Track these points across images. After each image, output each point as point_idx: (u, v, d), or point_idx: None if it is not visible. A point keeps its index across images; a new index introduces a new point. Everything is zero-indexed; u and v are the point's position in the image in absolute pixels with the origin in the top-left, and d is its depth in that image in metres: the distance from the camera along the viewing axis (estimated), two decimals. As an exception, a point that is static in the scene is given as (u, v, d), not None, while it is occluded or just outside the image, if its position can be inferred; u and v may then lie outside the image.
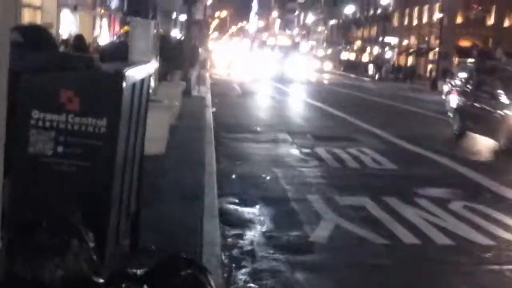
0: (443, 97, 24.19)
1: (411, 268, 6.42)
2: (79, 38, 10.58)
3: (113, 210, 3.89)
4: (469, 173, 11.44)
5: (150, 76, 4.94)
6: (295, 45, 59.39)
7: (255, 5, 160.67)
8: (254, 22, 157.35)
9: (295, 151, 13.17)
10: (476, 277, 6.27)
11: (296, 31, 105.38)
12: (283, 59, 52.78)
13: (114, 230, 4.10)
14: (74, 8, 32.28)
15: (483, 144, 15.38)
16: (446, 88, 24.55)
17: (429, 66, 61.47)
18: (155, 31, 10.34)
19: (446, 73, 48.03)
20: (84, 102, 3.78)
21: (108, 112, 3.71)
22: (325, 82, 48.95)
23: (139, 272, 3.40)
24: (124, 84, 3.73)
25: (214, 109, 20.37)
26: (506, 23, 62.26)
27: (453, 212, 8.49)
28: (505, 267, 6.52)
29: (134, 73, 4.02)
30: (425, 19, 64.80)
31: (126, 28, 30.49)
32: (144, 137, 5.30)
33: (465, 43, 61.60)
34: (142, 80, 4.58)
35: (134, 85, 4.17)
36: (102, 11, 38.26)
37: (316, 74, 59.06)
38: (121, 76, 3.70)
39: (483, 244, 7.16)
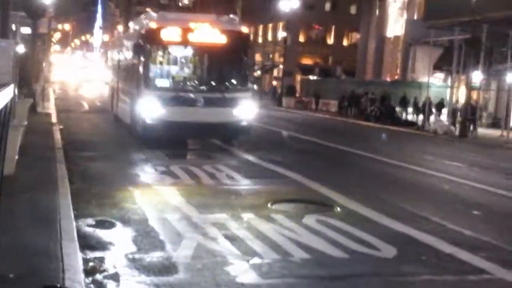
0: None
1: (274, 283, 6.57)
2: None
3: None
4: (319, 188, 11.92)
5: (13, 97, 4.73)
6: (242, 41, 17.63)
7: (99, 19, 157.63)
8: (98, 35, 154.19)
9: (150, 170, 13.05)
10: (334, 289, 6.57)
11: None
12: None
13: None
14: None
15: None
16: None
17: (274, 83, 63.44)
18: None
19: (291, 90, 49.92)
20: None
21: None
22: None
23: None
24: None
25: (61, 126, 19.71)
26: (345, 43, 65.85)
27: (307, 226, 8.82)
28: (360, 278, 6.87)
29: (2, 97, 3.83)
30: (270, 37, 66.89)
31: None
32: (3, 160, 5.05)
33: (307, 61, 64.35)
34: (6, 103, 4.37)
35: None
36: None
37: None
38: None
39: (338, 257, 7.50)
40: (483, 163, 18.22)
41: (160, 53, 17.30)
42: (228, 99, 16.79)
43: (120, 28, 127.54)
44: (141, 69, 16.87)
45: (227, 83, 17.37)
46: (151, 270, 6.59)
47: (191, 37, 16.77)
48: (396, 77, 45.81)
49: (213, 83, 17.31)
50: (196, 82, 17.22)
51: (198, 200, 10.23)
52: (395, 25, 47.20)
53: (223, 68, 17.81)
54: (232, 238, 7.98)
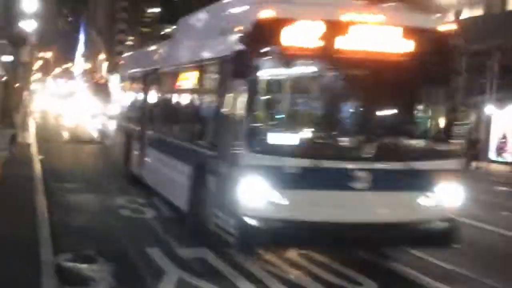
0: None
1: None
2: None
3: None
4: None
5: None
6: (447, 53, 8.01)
7: (81, 47, 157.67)
8: (80, 63, 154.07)
9: (130, 202, 12.91)
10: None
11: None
12: None
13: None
14: None
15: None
16: None
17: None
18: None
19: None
20: None
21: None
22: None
23: None
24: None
25: (41, 157, 19.57)
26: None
27: (288, 260, 8.79)
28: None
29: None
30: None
31: None
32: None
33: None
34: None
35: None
36: None
37: None
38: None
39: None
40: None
41: (283, 75, 7.93)
42: (421, 175, 8.00)
43: (102, 56, 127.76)
44: (235, 109, 7.88)
45: (420, 141, 8.56)
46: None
47: (351, 42, 7.75)
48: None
49: (392, 142, 8.26)
50: (359, 138, 8.00)
51: (179, 232, 10.14)
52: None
53: (412, 108, 8.80)
54: (213, 273, 7.93)
